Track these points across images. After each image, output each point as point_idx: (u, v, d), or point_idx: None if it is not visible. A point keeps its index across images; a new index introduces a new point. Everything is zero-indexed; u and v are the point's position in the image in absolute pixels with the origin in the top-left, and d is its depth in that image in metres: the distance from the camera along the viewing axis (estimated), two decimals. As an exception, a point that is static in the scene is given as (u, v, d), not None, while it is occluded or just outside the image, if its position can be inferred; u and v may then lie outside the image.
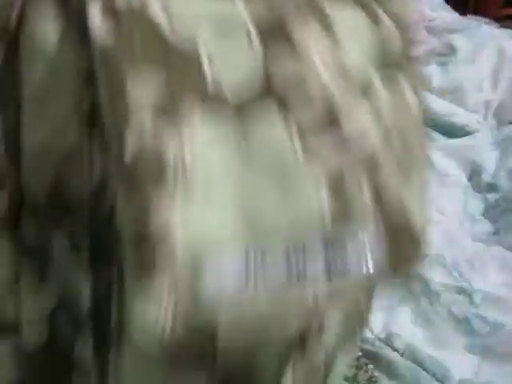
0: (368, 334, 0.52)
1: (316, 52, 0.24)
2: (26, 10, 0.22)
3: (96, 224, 0.25)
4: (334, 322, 0.27)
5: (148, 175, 0.22)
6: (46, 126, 0.23)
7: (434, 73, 0.76)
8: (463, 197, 0.68)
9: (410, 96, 0.28)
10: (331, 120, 0.24)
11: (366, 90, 0.26)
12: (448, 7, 0.89)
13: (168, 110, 0.22)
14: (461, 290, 0.54)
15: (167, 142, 0.22)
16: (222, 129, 0.23)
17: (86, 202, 0.24)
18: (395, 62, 0.28)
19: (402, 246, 0.27)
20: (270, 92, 0.23)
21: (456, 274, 0.56)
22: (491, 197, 0.68)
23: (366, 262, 0.25)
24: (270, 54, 0.23)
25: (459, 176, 0.70)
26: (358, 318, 0.30)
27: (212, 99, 0.22)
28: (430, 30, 0.82)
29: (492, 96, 0.76)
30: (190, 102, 0.22)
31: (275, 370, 0.26)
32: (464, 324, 0.53)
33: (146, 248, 0.22)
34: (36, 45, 0.22)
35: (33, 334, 0.27)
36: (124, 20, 0.21)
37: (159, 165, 0.22)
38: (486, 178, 0.69)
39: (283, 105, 0.23)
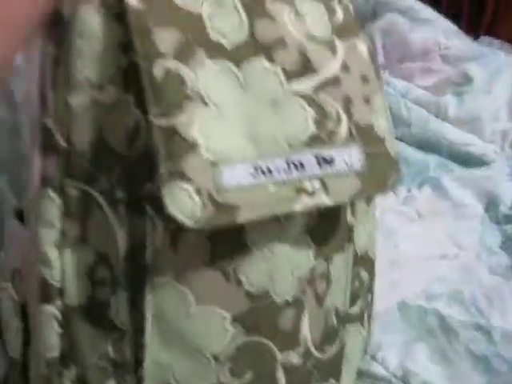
0: (383, 371, 0.51)
1: (288, 20, 0.33)
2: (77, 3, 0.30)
3: (131, 173, 0.31)
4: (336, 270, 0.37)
5: (173, 96, 0.29)
6: (93, 86, 0.30)
7: (450, 102, 0.75)
8: (480, 228, 0.67)
9: (361, 46, 0.37)
10: (308, 67, 0.33)
11: (330, 47, 0.35)
12: (462, 34, 0.89)
13: (184, 55, 0.29)
14: (479, 328, 0.53)
15: (185, 75, 0.29)
16: (225, 66, 0.31)
17: (124, 151, 0.31)
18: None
19: (379, 163, 0.35)
20: (257, 45, 0.32)
21: (474, 310, 0.55)
22: (509, 228, 0.66)
23: (350, 161, 0.34)
24: (254, 21, 0.32)
25: (476, 207, 0.69)
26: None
27: (214, 46, 0.31)
28: (445, 59, 0.81)
29: (509, 125, 0.75)
30: (199, 49, 0.30)
31: (293, 311, 0.35)
32: (483, 362, 0.51)
33: (178, 156, 0.28)
34: (85, 27, 0.30)
35: (75, 293, 0.32)
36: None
37: (181, 89, 0.29)
38: (504, 209, 0.68)
39: (268, 53, 0.32)
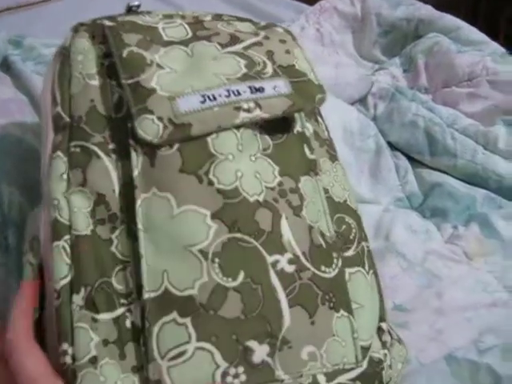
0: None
1: (221, 27, 0.47)
2: (74, 38, 0.44)
3: (118, 130, 0.41)
4: None
5: (136, 66, 0.41)
6: (86, 78, 0.42)
7: (499, 133, 0.71)
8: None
9: (277, 28, 0.50)
10: (236, 40, 0.45)
11: (254, 33, 0.48)
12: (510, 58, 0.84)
13: (144, 46, 0.42)
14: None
15: (145, 54, 0.42)
16: (175, 48, 0.43)
17: (112, 115, 0.41)
18: None
19: (305, 87, 0.45)
20: (198, 38, 0.45)
21: None
22: None
23: (278, 88, 0.43)
24: (196, 31, 0.46)
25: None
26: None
27: (166, 42, 0.43)
28: (493, 85, 0.77)
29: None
30: (155, 44, 0.43)
31: (269, 213, 0.40)
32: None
33: (142, 99, 0.40)
34: (79, 46, 0.43)
35: (80, 227, 0.39)
36: (118, 22, 0.44)
37: (142, 61, 0.41)
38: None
39: (207, 39, 0.45)
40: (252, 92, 0.42)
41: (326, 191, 0.45)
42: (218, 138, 0.41)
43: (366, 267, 0.44)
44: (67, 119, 0.42)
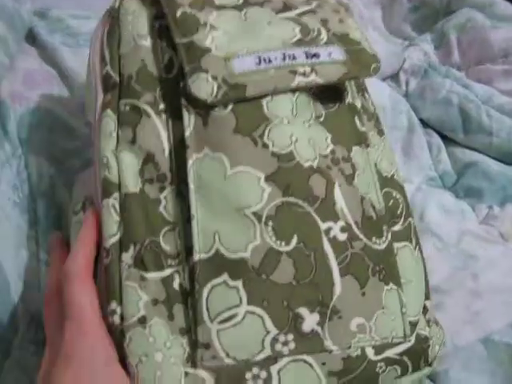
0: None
1: None
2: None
3: (169, 90, 0.41)
4: None
5: (190, 26, 0.41)
6: (137, 38, 0.43)
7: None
8: None
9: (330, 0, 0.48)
10: (290, 7, 0.45)
11: (307, 2, 0.46)
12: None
13: (196, 7, 0.42)
14: None
15: (198, 15, 0.42)
16: (228, 11, 0.43)
17: (163, 76, 0.42)
18: None
19: (359, 55, 0.43)
20: (251, 3, 0.44)
21: None
22: None
23: (332, 55, 0.42)
24: None
25: None
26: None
27: (219, 6, 0.43)
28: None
29: None
30: (207, 6, 0.43)
31: (322, 179, 0.40)
32: None
33: (196, 57, 0.40)
34: (129, 7, 0.43)
35: (129, 185, 0.39)
36: None
37: (195, 21, 0.41)
38: None
39: (260, 5, 0.44)
40: (307, 57, 0.41)
41: (375, 165, 0.44)
42: (273, 101, 0.40)
43: (413, 243, 0.44)
44: (117, 78, 0.42)
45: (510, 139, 0.67)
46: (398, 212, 0.44)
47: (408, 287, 0.41)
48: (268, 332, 0.36)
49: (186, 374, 0.36)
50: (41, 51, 0.64)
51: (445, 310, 0.53)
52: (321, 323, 0.37)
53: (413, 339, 0.40)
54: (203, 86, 0.38)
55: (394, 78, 0.77)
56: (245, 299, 0.36)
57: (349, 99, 0.45)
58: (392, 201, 0.44)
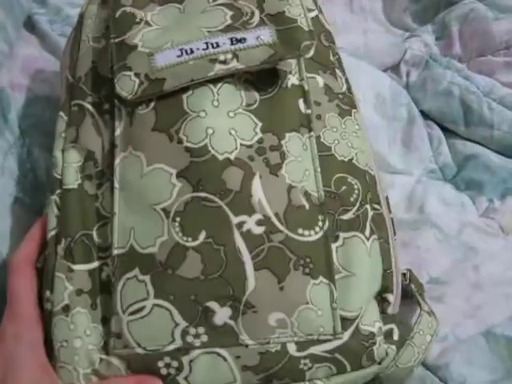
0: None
1: None
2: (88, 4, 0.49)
3: (113, 89, 0.41)
4: None
5: (125, 25, 0.43)
6: (92, 40, 0.46)
7: None
8: None
9: None
10: None
11: None
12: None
13: (139, 5, 0.45)
14: None
15: (137, 13, 0.44)
16: (171, 6, 0.46)
17: (110, 76, 0.42)
18: None
19: (291, 34, 0.42)
20: None
21: None
22: None
23: (261, 38, 0.41)
24: None
25: None
26: None
27: (164, 1, 0.46)
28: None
29: None
30: (152, 3, 0.45)
31: (239, 172, 0.39)
32: None
33: (123, 56, 0.42)
34: (90, 11, 0.48)
35: (70, 181, 0.41)
36: None
37: (131, 20, 0.43)
38: None
39: None
40: (232, 43, 0.41)
41: (328, 148, 0.43)
42: (193, 95, 0.40)
43: (367, 232, 0.41)
44: (71, 80, 0.44)
45: (511, 132, 0.67)
46: (352, 199, 0.41)
47: (349, 280, 0.39)
48: (177, 324, 0.37)
49: (101, 360, 0.37)
50: (40, 39, 0.64)
51: (446, 302, 0.53)
52: (234, 317, 0.37)
53: (346, 336, 0.38)
54: (126, 84, 0.40)
55: (394, 69, 0.77)
56: (152, 293, 0.37)
57: (293, 81, 0.44)
58: (345, 187, 0.42)
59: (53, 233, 0.40)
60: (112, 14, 0.44)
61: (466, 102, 0.69)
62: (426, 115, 0.73)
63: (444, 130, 0.72)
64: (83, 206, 0.40)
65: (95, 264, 0.39)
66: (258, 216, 0.38)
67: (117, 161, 0.40)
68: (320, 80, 0.46)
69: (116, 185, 0.39)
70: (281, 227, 0.38)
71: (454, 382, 0.47)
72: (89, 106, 0.42)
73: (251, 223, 0.38)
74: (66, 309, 0.38)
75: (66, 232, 0.40)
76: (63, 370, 0.37)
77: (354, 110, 0.47)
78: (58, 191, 0.41)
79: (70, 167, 0.41)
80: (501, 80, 0.72)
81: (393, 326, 0.41)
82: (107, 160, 0.41)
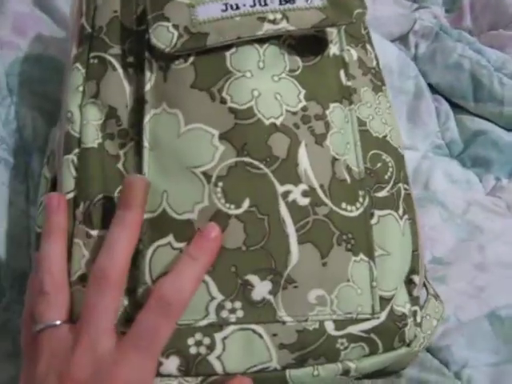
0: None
1: None
2: None
3: (138, 43, 0.39)
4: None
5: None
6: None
7: None
8: None
9: None
10: None
11: None
12: None
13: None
14: None
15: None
16: None
17: (134, 28, 0.40)
18: None
19: (341, 1, 0.40)
20: None
21: None
22: None
23: (311, 0, 0.39)
24: None
25: None
26: None
27: None
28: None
29: None
30: None
31: (285, 139, 0.37)
32: None
33: (160, 5, 0.39)
34: None
35: (89, 140, 0.38)
36: None
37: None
38: None
39: None
40: (281, 3, 0.39)
41: (363, 123, 0.42)
42: (238, 53, 0.38)
43: (400, 212, 0.40)
44: (89, 30, 0.41)
45: (521, 108, 0.65)
46: (386, 177, 0.41)
47: (385, 259, 0.38)
48: (213, 298, 0.35)
49: (122, 333, 0.34)
50: (33, -3, 0.61)
51: (448, 283, 0.51)
52: (273, 292, 0.35)
53: (383, 316, 0.37)
54: (163, 35, 0.37)
55: (403, 39, 0.74)
56: None
57: (334, 51, 0.42)
58: (380, 164, 0.41)
59: (70, 195, 0.37)
60: None
61: (477, 77, 0.67)
62: (433, 89, 0.70)
63: (452, 104, 0.69)
64: (104, 167, 0.37)
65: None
66: (303, 186, 0.37)
67: (147, 118, 0.37)
68: (354, 53, 0.44)
69: (146, 144, 0.37)
70: (326, 200, 0.37)
71: (456, 365, 0.45)
72: (111, 59, 0.40)
73: (297, 193, 0.36)
74: (83, 278, 0.35)
75: (84, 195, 0.37)
76: None
77: (384, 87, 0.46)
78: (76, 150, 0.38)
79: (89, 125, 0.38)
80: (512, 54, 0.70)
81: (417, 308, 0.40)
82: (132, 118, 0.38)
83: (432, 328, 0.42)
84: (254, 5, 0.38)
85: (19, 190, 0.48)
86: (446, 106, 0.69)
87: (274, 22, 0.38)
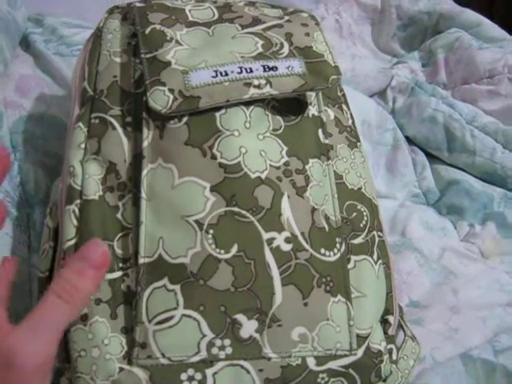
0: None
1: (247, 10, 0.51)
2: (107, 19, 0.50)
3: (136, 105, 0.43)
4: None
5: (156, 42, 0.44)
6: (113, 55, 0.46)
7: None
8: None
9: (302, 13, 0.52)
10: (258, 22, 0.48)
11: (279, 16, 0.50)
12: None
13: (167, 24, 0.46)
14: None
15: (166, 31, 0.45)
16: (198, 29, 0.47)
17: (132, 91, 0.44)
18: None
19: (319, 67, 0.45)
20: (222, 20, 0.48)
21: None
22: None
23: (291, 68, 0.44)
24: (222, 14, 0.49)
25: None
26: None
27: (191, 22, 0.47)
28: (514, 83, 0.76)
29: None
30: (179, 23, 0.46)
31: (270, 190, 0.41)
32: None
33: (156, 71, 0.42)
34: (110, 26, 0.48)
35: (90, 193, 0.41)
36: (148, 4, 0.50)
37: (162, 37, 0.44)
38: None
39: (230, 21, 0.48)
40: (265, 70, 0.43)
41: (340, 177, 0.45)
42: (227, 114, 0.42)
43: (375, 257, 0.44)
44: (91, 93, 0.44)
45: (492, 159, 0.69)
46: (361, 225, 0.44)
47: (361, 300, 0.41)
48: (204, 335, 0.37)
49: (121, 369, 0.37)
50: (35, 58, 0.65)
51: (424, 325, 0.54)
52: (259, 330, 0.38)
53: (360, 353, 0.40)
54: (160, 98, 0.41)
55: (381, 94, 0.79)
56: (181, 303, 0.37)
57: (313, 112, 0.46)
58: (355, 213, 0.44)
59: (70, 243, 0.39)
60: (141, 30, 0.45)
61: (450, 129, 0.71)
62: (410, 141, 0.75)
63: (428, 155, 0.74)
64: (104, 217, 0.40)
65: (116, 274, 0.39)
66: (286, 233, 0.40)
67: (144, 172, 0.40)
68: (331, 113, 0.49)
69: (143, 195, 0.40)
70: (306, 246, 0.40)
71: (433, 403, 0.48)
72: (111, 119, 0.43)
73: (280, 240, 0.39)
74: (85, 318, 0.38)
75: (85, 242, 0.38)
76: (80, 379, 0.37)
77: (359, 143, 0.50)
78: (78, 201, 0.40)
79: (91, 179, 0.41)
80: (483, 108, 0.75)
81: (392, 346, 0.44)
82: (130, 172, 0.41)
83: (409, 368, 0.45)
84: (241, 72, 0.42)
85: (21, 239, 0.51)
86: (422, 156, 0.73)
87: (258, 87, 0.42)
